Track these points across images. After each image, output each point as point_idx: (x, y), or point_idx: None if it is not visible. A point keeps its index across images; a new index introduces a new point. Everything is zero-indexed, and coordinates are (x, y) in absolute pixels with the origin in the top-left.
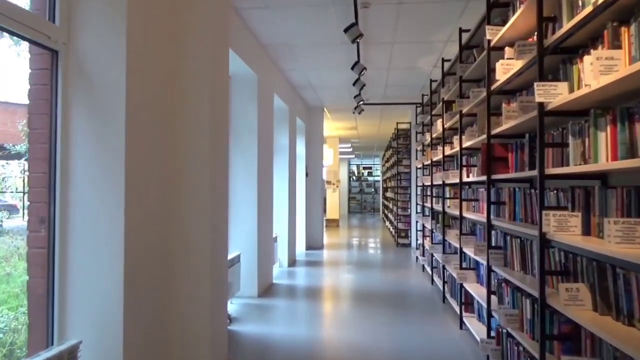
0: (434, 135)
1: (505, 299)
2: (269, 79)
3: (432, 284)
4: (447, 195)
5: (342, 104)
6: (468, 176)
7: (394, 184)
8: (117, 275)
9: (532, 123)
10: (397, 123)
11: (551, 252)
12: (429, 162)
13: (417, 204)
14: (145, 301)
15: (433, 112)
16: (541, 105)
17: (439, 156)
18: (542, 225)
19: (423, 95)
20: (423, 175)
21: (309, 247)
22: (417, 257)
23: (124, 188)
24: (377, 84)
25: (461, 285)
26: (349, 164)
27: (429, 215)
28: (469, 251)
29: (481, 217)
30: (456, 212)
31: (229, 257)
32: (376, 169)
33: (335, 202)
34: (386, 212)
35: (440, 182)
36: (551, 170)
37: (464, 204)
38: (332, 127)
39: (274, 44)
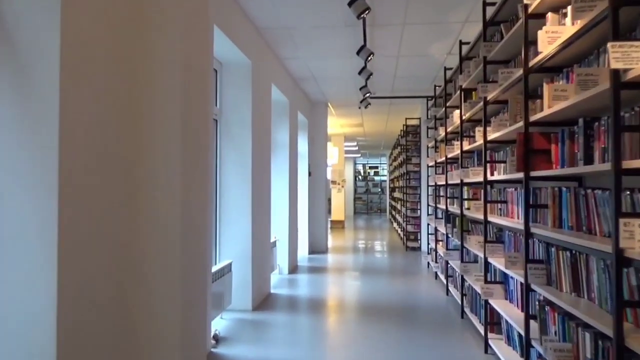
0: (449, 129)
1: (551, 327)
2: (265, 67)
3: (447, 294)
4: (465, 196)
5: (347, 99)
6: (492, 174)
7: (402, 183)
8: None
9: (593, 103)
10: (406, 119)
11: (624, 272)
12: (443, 159)
13: (428, 205)
14: (91, 329)
15: (448, 104)
16: (616, 74)
17: (455, 152)
18: (618, 238)
19: (435, 86)
20: (436, 174)
21: (312, 251)
22: (428, 263)
23: (57, 184)
24: (385, 75)
25: (486, 302)
26: (355, 163)
27: (442, 218)
28: (497, 262)
29: (511, 223)
30: (477, 216)
31: (219, 266)
32: (383, 169)
33: (340, 203)
34: (393, 213)
35: (457, 181)
36: (631, 164)
37: (488, 206)
38: (337, 124)
39: (271, 27)
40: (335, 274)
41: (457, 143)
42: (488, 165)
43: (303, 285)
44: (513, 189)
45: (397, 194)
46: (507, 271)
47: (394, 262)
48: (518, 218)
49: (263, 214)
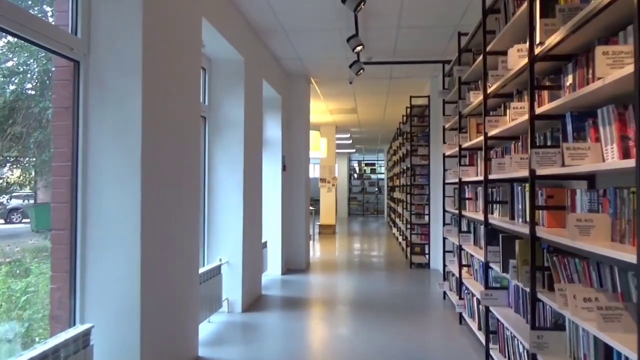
0: (495, 86)
1: None
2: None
3: (487, 359)
4: (527, 202)
5: (335, 70)
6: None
7: (404, 181)
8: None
9: None
10: (411, 97)
11: None
12: (476, 141)
13: (444, 211)
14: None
15: (491, 47)
16: None
17: (504, 126)
18: None
19: (460, 35)
20: (460, 165)
21: (288, 269)
22: (444, 294)
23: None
24: (384, 22)
25: None
26: (350, 160)
27: (470, 232)
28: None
29: None
30: (570, 242)
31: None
32: (380, 166)
33: (330, 204)
34: (392, 216)
35: (507, 176)
36: None
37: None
38: (324, 109)
39: None
40: (312, 312)
41: (519, 106)
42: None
43: (257, 341)
44: None
45: (397, 194)
46: None
47: (396, 287)
48: None
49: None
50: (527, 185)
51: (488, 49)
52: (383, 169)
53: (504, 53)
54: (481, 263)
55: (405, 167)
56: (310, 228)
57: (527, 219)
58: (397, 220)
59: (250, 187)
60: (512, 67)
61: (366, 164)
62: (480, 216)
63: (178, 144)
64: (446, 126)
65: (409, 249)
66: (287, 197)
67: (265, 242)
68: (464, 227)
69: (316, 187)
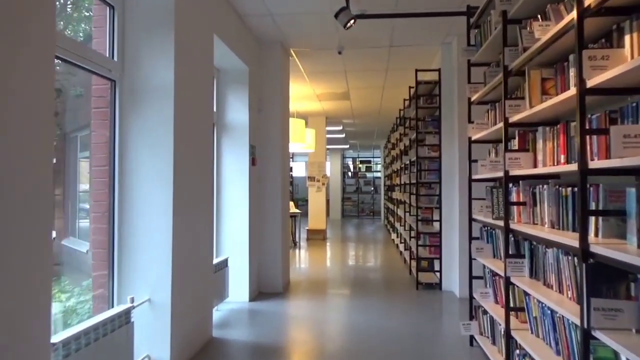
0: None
1: None
2: None
3: None
4: None
5: (319, 35)
6: None
7: (405, 179)
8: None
9: None
10: (417, 72)
11: None
12: (536, 110)
13: (470, 218)
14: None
15: None
16: None
17: (607, 74)
18: None
19: None
20: (508, 151)
21: (260, 292)
22: (472, 338)
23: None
24: None
25: None
26: (343, 157)
27: (524, 257)
28: None
29: None
30: None
31: None
32: (376, 163)
33: (320, 206)
34: (391, 219)
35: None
36: None
37: None
38: (311, 94)
39: None
40: None
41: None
42: None
43: None
44: None
45: (397, 194)
46: None
47: (401, 323)
48: None
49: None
50: None
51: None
52: (379, 167)
53: None
54: (553, 314)
55: (407, 162)
56: (297, 233)
57: None
58: (397, 225)
59: (189, 183)
60: None
61: (361, 161)
62: (558, 237)
63: (197, 150)
64: (473, 98)
65: (412, 262)
66: (258, 199)
67: (226, 260)
68: (512, 248)
69: (304, 187)
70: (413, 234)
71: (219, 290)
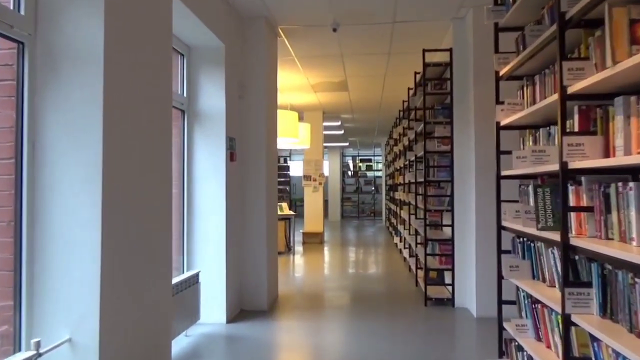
0: None
1: None
2: None
3: None
4: None
5: (310, 8)
6: None
7: (411, 177)
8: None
9: None
10: (424, 52)
11: None
12: (612, 73)
13: (499, 226)
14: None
15: None
16: None
17: None
18: None
19: None
20: (565, 134)
21: (241, 310)
22: None
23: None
24: None
25: None
26: (342, 155)
27: (592, 288)
28: None
29: None
30: None
31: None
32: (377, 162)
33: (317, 207)
34: (393, 220)
35: None
36: None
37: None
38: (305, 84)
39: None
40: None
41: None
42: None
43: None
44: None
45: (400, 195)
46: None
47: (410, 352)
48: None
49: None
50: None
51: None
52: (380, 165)
53: None
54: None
55: (412, 158)
56: (292, 237)
57: None
58: (400, 228)
59: (134, 183)
60: None
61: (361, 160)
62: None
63: (147, 141)
64: (502, 72)
65: (419, 272)
66: (238, 201)
67: (196, 275)
68: (570, 273)
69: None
70: (419, 239)
71: (187, 313)
